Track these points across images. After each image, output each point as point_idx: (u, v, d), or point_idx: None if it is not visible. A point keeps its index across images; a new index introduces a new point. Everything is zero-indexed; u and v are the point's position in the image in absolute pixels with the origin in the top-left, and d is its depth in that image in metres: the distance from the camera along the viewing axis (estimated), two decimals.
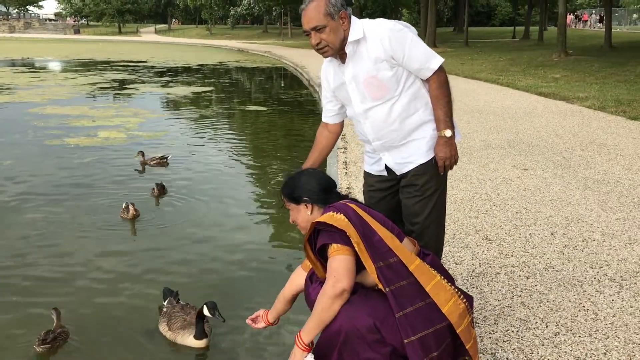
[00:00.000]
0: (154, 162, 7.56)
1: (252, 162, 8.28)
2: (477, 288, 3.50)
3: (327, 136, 3.07)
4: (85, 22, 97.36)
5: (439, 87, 2.74)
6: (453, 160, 2.80)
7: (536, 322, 3.09)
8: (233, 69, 27.59)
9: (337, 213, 2.33)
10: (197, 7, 77.36)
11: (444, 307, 2.30)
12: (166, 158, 7.67)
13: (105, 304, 3.93)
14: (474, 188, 5.63)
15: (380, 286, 2.25)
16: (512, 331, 3.00)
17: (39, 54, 36.95)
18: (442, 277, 2.37)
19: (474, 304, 3.12)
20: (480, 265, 3.84)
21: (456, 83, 12.38)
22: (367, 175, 3.09)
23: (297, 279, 2.71)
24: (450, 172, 2.92)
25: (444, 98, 2.74)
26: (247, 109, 14.05)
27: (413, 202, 2.85)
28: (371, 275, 2.27)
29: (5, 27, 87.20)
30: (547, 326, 3.05)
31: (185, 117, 12.30)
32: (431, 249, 2.81)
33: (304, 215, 2.52)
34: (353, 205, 2.41)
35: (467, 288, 3.47)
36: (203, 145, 9.26)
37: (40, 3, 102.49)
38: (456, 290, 2.38)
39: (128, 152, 8.28)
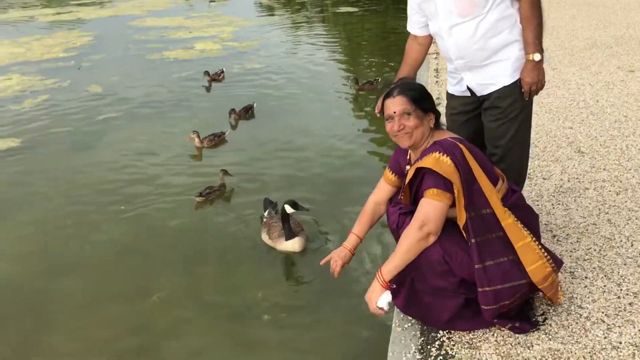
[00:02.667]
0: (221, 76, 7.90)
1: (347, 65, 8.36)
2: (562, 205, 3.49)
3: (417, 49, 2.98)
4: None
5: (530, 7, 2.61)
6: (540, 85, 2.70)
7: (621, 241, 3.06)
8: None
9: (444, 155, 2.27)
10: None
11: (529, 266, 2.32)
12: (222, 72, 7.94)
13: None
14: (572, 95, 5.39)
15: (465, 236, 2.32)
16: (595, 249, 3.00)
17: None
18: (533, 238, 2.36)
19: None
20: (569, 180, 3.79)
21: None
22: (449, 97, 3.06)
23: (379, 192, 2.70)
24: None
25: (535, 20, 2.62)
26: (338, 11, 13.80)
27: (496, 125, 2.82)
28: (459, 223, 2.32)
29: None
30: (632, 245, 3.01)
31: (278, 24, 12.34)
32: (513, 172, 2.80)
33: (425, 127, 2.41)
34: (462, 146, 2.33)
35: (552, 205, 3.48)
36: (296, 53, 9.39)
37: None
38: (545, 253, 2.37)
39: (223, 64, 8.53)
